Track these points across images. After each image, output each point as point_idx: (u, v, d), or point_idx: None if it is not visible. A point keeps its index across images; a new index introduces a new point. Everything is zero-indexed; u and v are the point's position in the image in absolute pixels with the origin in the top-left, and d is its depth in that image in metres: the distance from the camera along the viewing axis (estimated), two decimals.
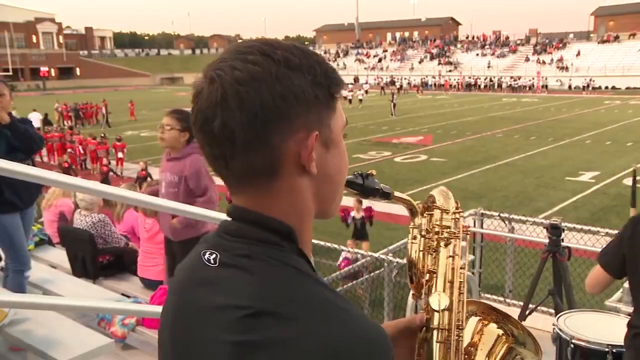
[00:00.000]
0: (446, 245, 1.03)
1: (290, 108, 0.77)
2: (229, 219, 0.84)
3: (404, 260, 4.89)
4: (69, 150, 19.91)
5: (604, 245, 2.59)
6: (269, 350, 0.69)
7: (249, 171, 0.79)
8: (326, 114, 0.81)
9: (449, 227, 1.05)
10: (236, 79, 0.76)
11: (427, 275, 1.03)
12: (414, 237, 1.08)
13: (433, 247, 1.04)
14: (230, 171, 0.81)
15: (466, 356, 1.01)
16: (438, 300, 0.95)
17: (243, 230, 0.80)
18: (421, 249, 1.06)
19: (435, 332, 0.95)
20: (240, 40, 0.88)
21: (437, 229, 1.05)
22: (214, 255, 0.80)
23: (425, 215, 1.10)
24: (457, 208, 1.10)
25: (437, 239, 1.05)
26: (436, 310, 0.95)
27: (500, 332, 1.08)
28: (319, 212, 0.86)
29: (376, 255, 4.69)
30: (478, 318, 1.09)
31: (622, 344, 2.53)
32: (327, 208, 0.87)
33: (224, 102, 0.76)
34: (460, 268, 1.02)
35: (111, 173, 17.71)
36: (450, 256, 1.02)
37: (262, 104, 0.75)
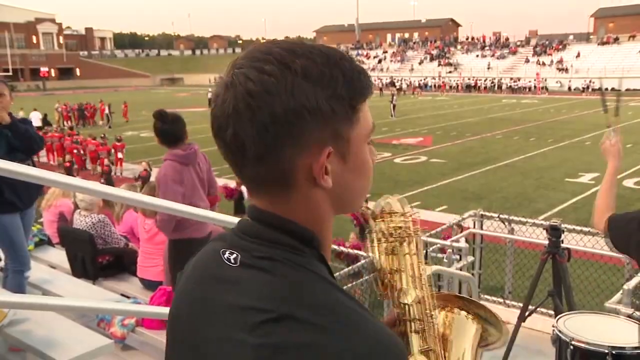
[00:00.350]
0: (405, 244, 1.05)
1: (302, 123, 0.74)
2: (236, 219, 0.85)
3: None
4: (74, 150, 19.96)
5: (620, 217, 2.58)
6: (290, 355, 0.69)
7: (261, 181, 0.79)
8: (345, 128, 0.79)
9: (403, 227, 1.07)
10: (248, 91, 0.74)
11: (393, 274, 1.04)
12: (378, 240, 1.09)
13: (393, 248, 1.06)
14: (245, 177, 0.81)
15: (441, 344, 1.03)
16: (407, 294, 0.98)
17: (264, 233, 0.80)
18: (383, 251, 1.07)
19: (409, 324, 0.97)
20: (264, 41, 0.84)
21: (393, 231, 1.07)
22: (234, 255, 0.79)
23: (380, 220, 1.11)
24: (408, 211, 1.12)
25: (396, 240, 1.06)
26: (407, 304, 0.98)
27: (467, 314, 1.12)
28: (339, 213, 0.86)
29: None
30: (444, 309, 1.12)
31: (622, 345, 2.54)
32: (348, 210, 0.88)
33: (236, 113, 0.75)
34: (420, 263, 1.05)
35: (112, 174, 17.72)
36: (408, 254, 1.04)
37: (273, 118, 0.73)
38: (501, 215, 5.59)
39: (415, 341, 0.96)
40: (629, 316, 3.28)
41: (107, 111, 32.65)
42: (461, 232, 5.61)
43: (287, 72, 0.74)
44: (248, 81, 0.74)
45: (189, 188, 4.13)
